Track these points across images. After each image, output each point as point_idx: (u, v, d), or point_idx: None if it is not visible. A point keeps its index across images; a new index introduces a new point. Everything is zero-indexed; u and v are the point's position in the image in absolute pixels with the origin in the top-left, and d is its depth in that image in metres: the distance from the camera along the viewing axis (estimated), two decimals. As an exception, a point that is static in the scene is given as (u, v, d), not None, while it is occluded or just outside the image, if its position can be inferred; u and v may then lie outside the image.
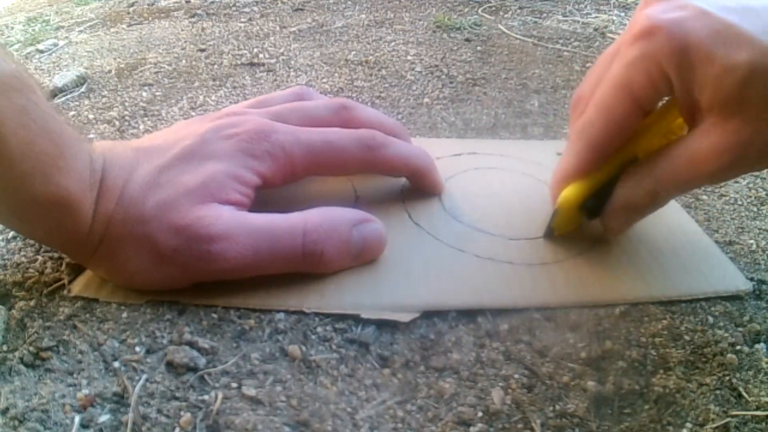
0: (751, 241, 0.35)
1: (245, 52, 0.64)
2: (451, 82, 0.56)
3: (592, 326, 0.29)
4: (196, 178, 0.28)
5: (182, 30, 0.72)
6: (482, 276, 0.31)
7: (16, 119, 0.25)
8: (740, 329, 0.29)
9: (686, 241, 0.34)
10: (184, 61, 0.61)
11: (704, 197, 0.40)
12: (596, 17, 0.77)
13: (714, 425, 0.24)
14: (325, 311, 0.28)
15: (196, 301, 0.28)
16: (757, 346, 0.28)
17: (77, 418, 0.23)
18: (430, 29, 0.71)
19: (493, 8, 0.80)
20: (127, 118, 0.48)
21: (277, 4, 0.83)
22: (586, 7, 0.81)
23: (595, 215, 0.32)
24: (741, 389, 0.26)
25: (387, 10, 0.79)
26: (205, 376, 0.25)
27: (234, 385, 0.25)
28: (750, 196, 0.40)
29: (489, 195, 0.37)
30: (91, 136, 0.45)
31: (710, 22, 0.25)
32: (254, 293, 0.29)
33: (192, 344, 0.26)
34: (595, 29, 0.72)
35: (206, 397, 0.24)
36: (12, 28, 0.75)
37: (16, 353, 0.26)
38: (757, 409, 0.25)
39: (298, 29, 0.71)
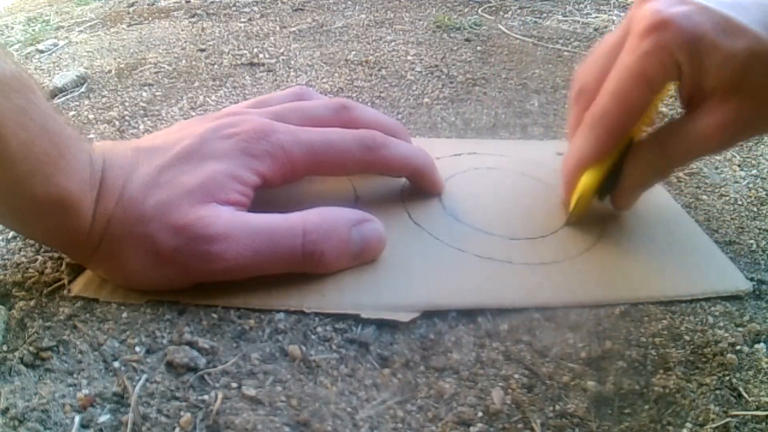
0: (751, 241, 0.35)
1: (245, 52, 0.64)
2: (451, 82, 0.56)
3: (592, 326, 0.29)
4: (196, 178, 0.28)
5: (182, 30, 0.72)
6: (482, 276, 0.31)
7: (16, 120, 0.25)
8: (740, 329, 0.29)
9: (686, 241, 0.34)
10: (184, 61, 0.61)
11: (704, 197, 0.40)
12: (596, 17, 0.77)
13: (714, 425, 0.24)
14: (325, 311, 0.28)
15: (196, 301, 0.28)
16: (757, 346, 0.28)
17: (77, 418, 0.23)
18: (430, 29, 0.71)
19: (493, 8, 0.80)
20: (127, 118, 0.48)
21: (277, 4, 0.83)
22: (586, 7, 0.81)
23: (604, 196, 0.34)
24: (741, 389, 0.26)
25: (387, 10, 0.79)
26: (205, 376, 0.25)
27: (234, 385, 0.25)
28: (750, 196, 0.40)
29: (489, 195, 0.38)
30: (91, 136, 0.45)
31: (711, 15, 0.28)
32: (254, 293, 0.29)
33: (192, 344, 0.26)
34: (595, 29, 0.72)
35: (206, 397, 0.24)
36: (12, 28, 0.75)
37: (16, 353, 0.26)
38: (757, 409, 0.25)
39: (298, 29, 0.71)
